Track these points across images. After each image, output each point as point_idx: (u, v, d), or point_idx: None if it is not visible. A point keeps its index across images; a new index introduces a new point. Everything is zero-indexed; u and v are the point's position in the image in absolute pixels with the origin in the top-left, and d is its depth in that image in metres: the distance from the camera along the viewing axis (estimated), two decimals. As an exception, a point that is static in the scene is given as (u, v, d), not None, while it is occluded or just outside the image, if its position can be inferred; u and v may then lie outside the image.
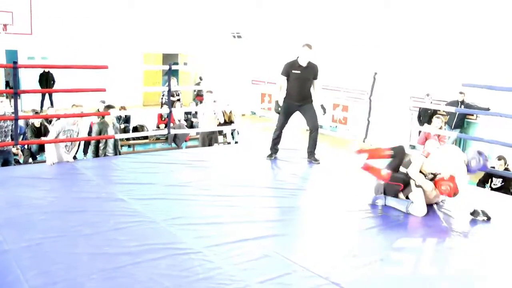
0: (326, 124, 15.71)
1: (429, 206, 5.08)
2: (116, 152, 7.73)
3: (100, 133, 7.46)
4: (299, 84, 6.68)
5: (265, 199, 5.11)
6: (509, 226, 4.95)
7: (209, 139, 9.37)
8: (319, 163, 6.70)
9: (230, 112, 13.59)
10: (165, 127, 8.64)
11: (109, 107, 7.65)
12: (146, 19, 17.89)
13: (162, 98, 13.95)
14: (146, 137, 11.44)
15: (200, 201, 4.87)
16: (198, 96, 16.38)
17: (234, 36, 18.66)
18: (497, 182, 7.85)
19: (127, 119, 12.25)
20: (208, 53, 18.74)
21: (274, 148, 6.94)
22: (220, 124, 9.42)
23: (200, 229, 4.08)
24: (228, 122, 13.24)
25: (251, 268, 3.43)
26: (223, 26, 18.72)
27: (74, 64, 10.64)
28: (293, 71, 6.66)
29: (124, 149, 10.61)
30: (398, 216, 4.93)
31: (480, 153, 5.03)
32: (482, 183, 8.10)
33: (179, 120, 12.91)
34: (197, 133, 12.45)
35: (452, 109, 8.69)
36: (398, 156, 5.32)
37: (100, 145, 7.59)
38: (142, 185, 5.31)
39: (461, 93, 11.50)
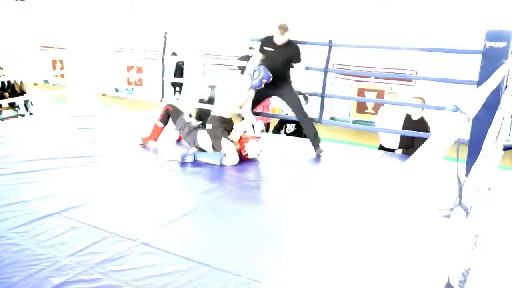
0: (122, 87, 15.62)
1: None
2: None
3: None
4: (273, 64, 5.96)
5: (66, 170, 5.03)
6: (302, 165, 5.64)
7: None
8: (322, 152, 6.04)
9: (21, 82, 12.78)
10: None
11: None
12: None
13: None
14: None
15: (-4, 182, 4.65)
16: None
17: (15, -1, 17.37)
18: (291, 128, 8.55)
19: None
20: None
21: None
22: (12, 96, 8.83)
23: (1, 212, 3.91)
24: (20, 92, 12.47)
25: (59, 243, 3.43)
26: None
27: None
28: (265, 48, 6.10)
29: None
30: (208, 169, 5.33)
31: (258, 66, 5.71)
32: (277, 129, 8.75)
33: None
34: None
35: (244, 63, 9.16)
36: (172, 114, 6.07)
37: None
38: None
39: (250, 48, 12.16)
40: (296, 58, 6.11)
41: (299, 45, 6.16)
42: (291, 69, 6.18)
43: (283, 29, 5.87)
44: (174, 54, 12.34)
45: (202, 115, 6.72)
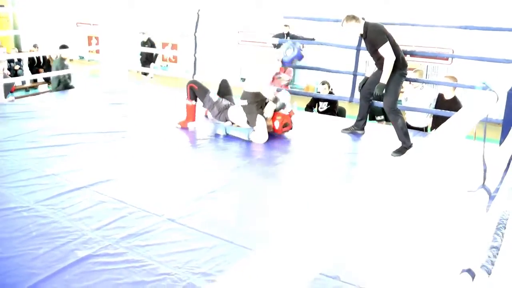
0: (157, 64, 15.65)
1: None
2: None
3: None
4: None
5: (96, 145, 5.07)
6: (332, 142, 5.57)
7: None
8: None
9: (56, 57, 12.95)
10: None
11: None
12: None
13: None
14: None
15: (28, 155, 4.68)
16: None
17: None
18: (324, 106, 8.48)
19: None
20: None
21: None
22: (47, 71, 8.92)
23: (31, 184, 3.97)
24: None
25: (86, 217, 3.46)
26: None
27: None
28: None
29: None
30: (238, 146, 5.33)
31: (294, 43, 5.59)
32: (309, 107, 8.68)
33: (2, 69, 12.05)
34: (23, 82, 11.72)
35: (276, 40, 9.07)
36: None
37: None
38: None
39: (286, 25, 12.06)
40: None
41: None
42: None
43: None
44: (142, 33, 12.48)
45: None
